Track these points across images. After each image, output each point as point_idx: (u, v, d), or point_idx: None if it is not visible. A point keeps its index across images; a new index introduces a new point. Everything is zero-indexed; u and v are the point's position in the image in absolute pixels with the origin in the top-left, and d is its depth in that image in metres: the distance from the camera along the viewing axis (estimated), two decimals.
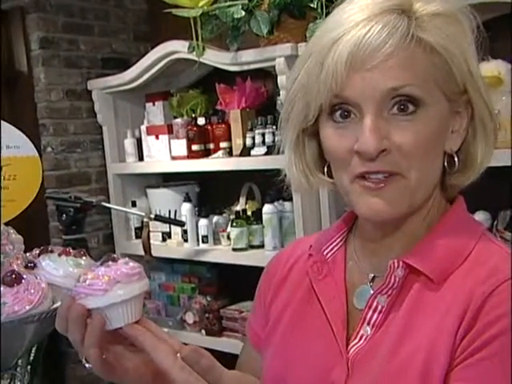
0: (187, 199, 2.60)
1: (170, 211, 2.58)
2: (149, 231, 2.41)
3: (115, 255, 0.75)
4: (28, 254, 1.00)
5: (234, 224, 2.42)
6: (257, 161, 2.29)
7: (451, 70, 0.74)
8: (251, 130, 2.37)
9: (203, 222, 2.55)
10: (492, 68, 1.75)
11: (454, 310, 0.72)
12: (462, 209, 0.83)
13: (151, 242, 2.43)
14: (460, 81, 0.75)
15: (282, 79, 2.15)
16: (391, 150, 0.73)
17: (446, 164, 0.78)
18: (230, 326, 2.52)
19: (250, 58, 2.23)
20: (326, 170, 0.82)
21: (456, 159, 0.78)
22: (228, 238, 2.49)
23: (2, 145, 0.98)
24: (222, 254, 2.49)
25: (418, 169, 0.74)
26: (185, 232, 2.59)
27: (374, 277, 0.82)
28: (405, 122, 0.73)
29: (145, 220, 2.40)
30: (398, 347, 0.74)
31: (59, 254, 0.96)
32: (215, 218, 2.58)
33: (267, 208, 2.35)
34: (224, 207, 2.64)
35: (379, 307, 0.78)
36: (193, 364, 0.66)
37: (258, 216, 2.41)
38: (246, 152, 2.37)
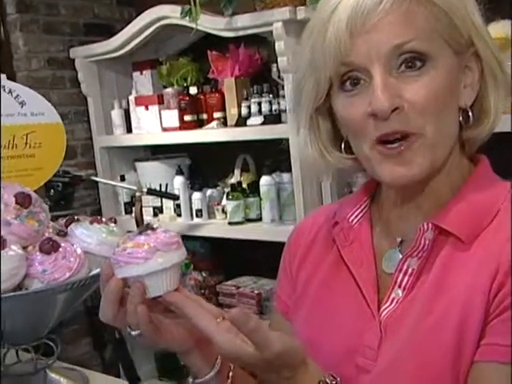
0: (179, 172, 2.52)
1: (160, 185, 2.49)
2: (141, 206, 2.33)
3: (154, 224, 0.74)
4: (54, 224, 1.00)
5: (230, 197, 2.35)
6: (253, 131, 2.21)
7: (452, 20, 0.74)
8: (246, 98, 2.29)
9: (197, 195, 2.48)
10: (499, 29, 1.69)
11: (486, 268, 0.73)
12: (486, 168, 0.83)
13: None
14: (464, 32, 0.75)
15: (280, 45, 2.05)
16: (404, 108, 0.73)
17: (461, 119, 0.78)
18: (226, 302, 2.47)
19: (245, 22, 2.13)
20: (342, 146, 0.83)
21: (470, 114, 0.78)
22: (223, 211, 2.42)
23: (26, 112, 0.96)
24: (217, 228, 2.42)
25: (433, 124, 0.74)
26: (177, 206, 2.52)
27: (401, 241, 0.82)
28: (414, 77, 0.73)
29: (137, 194, 2.31)
30: (431, 306, 0.75)
31: (91, 222, 0.96)
32: (209, 192, 2.50)
33: (264, 180, 2.28)
34: (217, 180, 2.56)
35: (410, 270, 0.79)
36: (240, 325, 0.66)
37: (254, 188, 2.35)
38: (241, 122, 2.29)
